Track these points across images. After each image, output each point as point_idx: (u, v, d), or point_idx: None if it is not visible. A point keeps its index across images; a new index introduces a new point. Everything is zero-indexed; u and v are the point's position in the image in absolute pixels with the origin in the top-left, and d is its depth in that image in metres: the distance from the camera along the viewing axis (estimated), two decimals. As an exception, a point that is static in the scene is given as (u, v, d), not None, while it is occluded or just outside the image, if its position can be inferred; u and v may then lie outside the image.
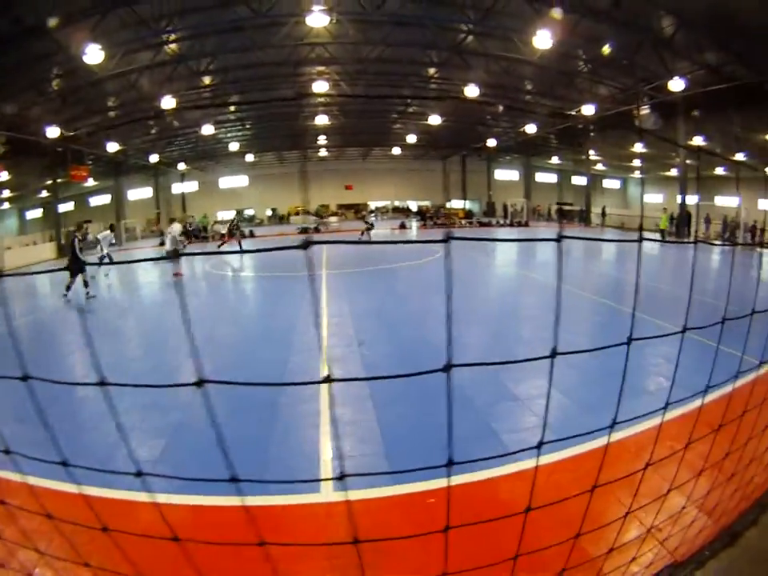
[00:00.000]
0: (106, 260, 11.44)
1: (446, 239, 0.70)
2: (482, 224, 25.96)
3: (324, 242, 0.78)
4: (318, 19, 11.34)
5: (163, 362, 5.20)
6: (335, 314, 6.88)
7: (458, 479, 2.42)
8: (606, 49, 13.07)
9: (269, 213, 32.73)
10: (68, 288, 8.93)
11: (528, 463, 2.54)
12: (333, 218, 29.35)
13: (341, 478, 0.87)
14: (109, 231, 12.26)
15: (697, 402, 2.53)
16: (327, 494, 2.53)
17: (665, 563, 1.87)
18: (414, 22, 12.04)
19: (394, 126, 24.48)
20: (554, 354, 0.91)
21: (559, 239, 0.84)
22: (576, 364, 4.01)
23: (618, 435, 2.82)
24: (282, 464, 3.00)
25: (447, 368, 0.76)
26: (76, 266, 8.67)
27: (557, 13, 10.88)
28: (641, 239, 1.03)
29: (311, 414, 3.60)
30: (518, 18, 11.59)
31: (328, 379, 0.75)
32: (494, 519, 1.41)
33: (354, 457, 2.99)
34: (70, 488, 2.21)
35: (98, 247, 11.75)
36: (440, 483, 2.33)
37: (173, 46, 12.92)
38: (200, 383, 0.71)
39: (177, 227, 12.76)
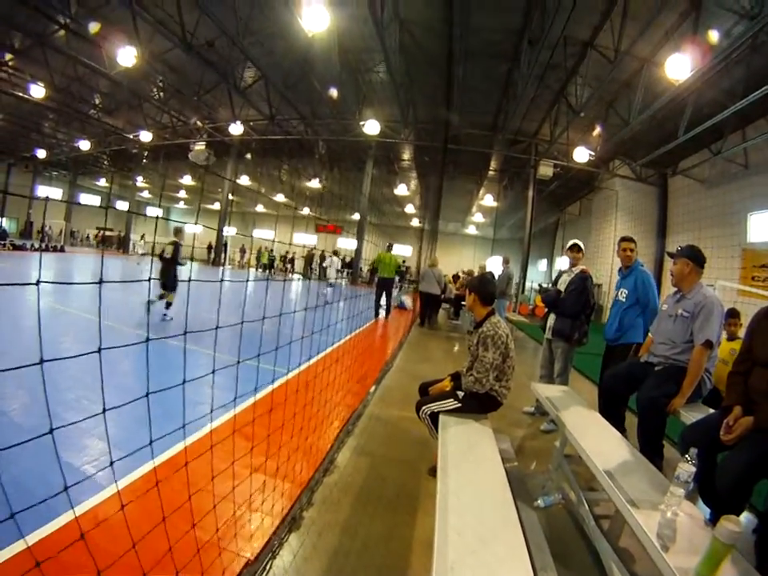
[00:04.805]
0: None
1: None
2: (15, 247, 21.52)
3: None
4: None
5: None
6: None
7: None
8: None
9: None
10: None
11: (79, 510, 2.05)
12: None
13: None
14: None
15: (230, 415, 2.48)
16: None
17: (240, 566, 1.85)
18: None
19: None
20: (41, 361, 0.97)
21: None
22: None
23: (163, 457, 2.58)
24: None
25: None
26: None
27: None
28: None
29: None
30: (114, 28, 10.74)
31: None
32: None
33: None
34: None
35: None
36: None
37: None
38: None
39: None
